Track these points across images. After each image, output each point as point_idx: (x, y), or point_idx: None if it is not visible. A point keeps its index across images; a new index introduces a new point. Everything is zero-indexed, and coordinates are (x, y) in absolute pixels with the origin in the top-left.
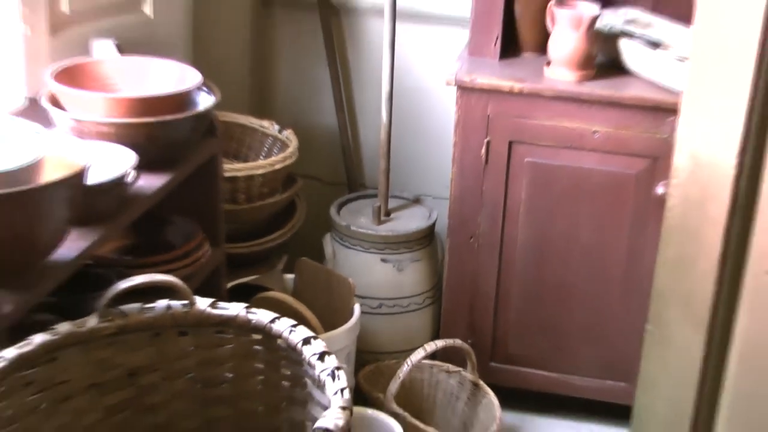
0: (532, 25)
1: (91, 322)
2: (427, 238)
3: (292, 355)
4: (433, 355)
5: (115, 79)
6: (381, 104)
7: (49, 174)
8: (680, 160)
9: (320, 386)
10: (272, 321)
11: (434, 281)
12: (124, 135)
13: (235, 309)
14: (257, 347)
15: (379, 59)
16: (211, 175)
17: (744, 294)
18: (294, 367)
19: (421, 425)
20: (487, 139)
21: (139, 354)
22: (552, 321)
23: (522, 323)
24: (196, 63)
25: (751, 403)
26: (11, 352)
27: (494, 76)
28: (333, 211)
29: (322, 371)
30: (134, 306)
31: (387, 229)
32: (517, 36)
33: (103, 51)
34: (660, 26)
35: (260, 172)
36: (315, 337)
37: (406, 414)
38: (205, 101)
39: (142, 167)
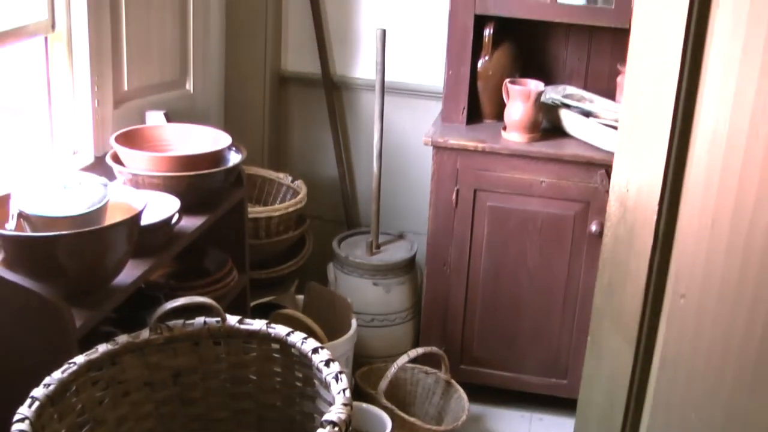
0: (491, 98)
1: (145, 334)
2: (409, 266)
3: (304, 360)
4: (414, 359)
5: (164, 141)
6: (373, 159)
7: (113, 216)
8: (612, 207)
9: (326, 386)
10: (288, 334)
11: (415, 300)
12: (170, 185)
13: (258, 324)
14: (276, 354)
15: (371, 124)
16: (239, 216)
17: (664, 312)
18: (305, 370)
19: (406, 416)
20: (457, 187)
21: (182, 359)
22: (507, 330)
23: (484, 333)
24: (227, 128)
25: (670, 397)
26: (81, 359)
27: (462, 138)
28: (335, 244)
29: (328, 374)
30: (178, 321)
31: (377, 259)
32: (479, 106)
33: (155, 119)
34: (591, 99)
35: (277, 213)
36: (322, 347)
37: (393, 407)
38: (234, 158)
39: (185, 210)
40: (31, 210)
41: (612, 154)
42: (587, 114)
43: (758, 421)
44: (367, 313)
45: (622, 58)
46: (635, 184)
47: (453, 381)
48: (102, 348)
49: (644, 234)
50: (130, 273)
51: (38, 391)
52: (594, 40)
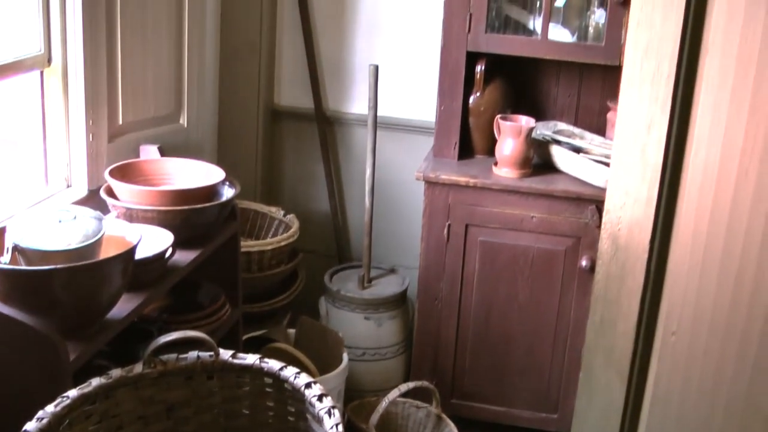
0: (482, 134)
1: (138, 368)
2: (400, 300)
3: (296, 395)
4: (405, 393)
5: (158, 175)
6: (365, 194)
7: (108, 250)
8: (604, 245)
9: (319, 421)
10: (281, 369)
11: (406, 334)
12: (164, 219)
13: (251, 359)
14: (269, 389)
15: (363, 158)
16: (232, 250)
17: (655, 349)
18: (298, 405)
19: None
20: (449, 222)
21: (176, 393)
22: (498, 364)
23: (474, 367)
24: (221, 161)
25: None
26: (74, 392)
27: (453, 173)
28: (326, 278)
29: (320, 409)
30: (172, 356)
31: (369, 293)
32: (471, 142)
33: (149, 153)
34: (581, 135)
35: (269, 247)
36: (315, 382)
37: None
38: (228, 193)
39: (178, 244)
40: (27, 243)
41: (602, 189)
42: (578, 150)
43: None
44: (359, 347)
45: (612, 94)
46: (627, 222)
47: (444, 415)
48: (95, 382)
49: (636, 272)
50: (124, 307)
51: (31, 425)
52: (584, 76)
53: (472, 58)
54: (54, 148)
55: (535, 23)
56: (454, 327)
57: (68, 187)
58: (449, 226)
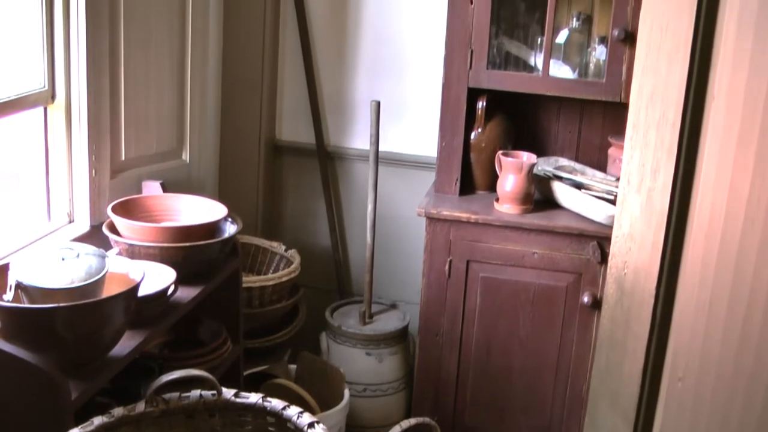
0: (484, 170)
1: (140, 407)
2: (401, 336)
3: None
4: (406, 430)
5: (160, 211)
6: (366, 229)
7: (110, 287)
8: (610, 289)
9: None
10: (284, 408)
11: (407, 370)
12: (166, 256)
13: (253, 398)
14: (271, 428)
15: (364, 193)
16: (234, 286)
17: (661, 395)
18: None
19: None
20: (450, 258)
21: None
22: (499, 401)
23: (476, 403)
24: (222, 196)
25: None
26: (76, 431)
27: (455, 209)
28: (327, 314)
29: None
30: (174, 394)
31: (370, 329)
32: (472, 178)
33: (152, 189)
34: (582, 171)
35: (271, 283)
36: (318, 422)
37: None
38: (230, 229)
39: (180, 281)
40: (29, 281)
41: (604, 226)
42: (579, 186)
43: None
44: (360, 383)
45: (613, 130)
46: (632, 267)
47: None
48: (97, 421)
49: (642, 317)
50: (126, 344)
51: None
52: (585, 112)
53: (474, 94)
54: (57, 183)
55: (536, 60)
56: (456, 363)
57: (71, 222)
58: (450, 261)
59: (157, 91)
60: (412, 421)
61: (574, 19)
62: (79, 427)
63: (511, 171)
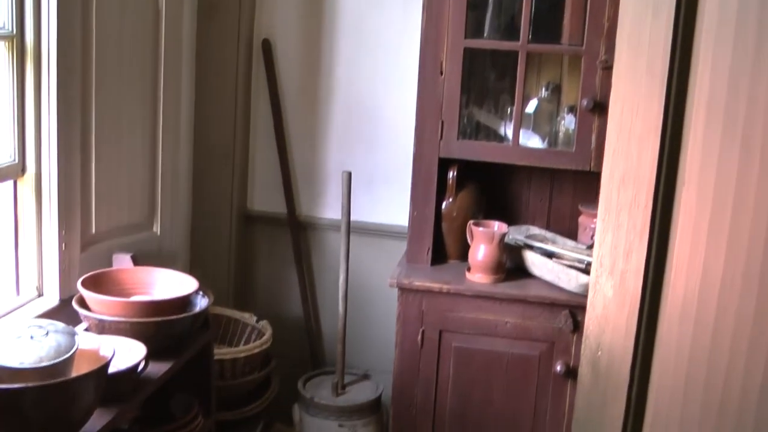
0: (455, 239)
1: None
2: (375, 407)
3: None
4: None
5: (131, 285)
6: (338, 299)
7: (80, 365)
8: (584, 370)
9: None
10: None
11: None
12: (137, 331)
13: None
14: None
15: (336, 262)
16: (206, 359)
17: None
18: None
19: None
20: (422, 328)
21: None
22: None
23: None
24: (193, 266)
25: None
26: None
27: (427, 279)
28: (300, 384)
29: None
30: None
31: (343, 400)
32: (444, 247)
33: (122, 262)
34: (553, 240)
35: (242, 355)
36: None
37: None
38: (201, 302)
39: (151, 356)
40: None
41: (576, 294)
42: (550, 255)
43: None
44: None
45: (583, 198)
46: (607, 349)
47: None
48: None
49: (617, 400)
50: (96, 422)
51: None
52: (556, 181)
53: (445, 163)
54: (26, 257)
55: (506, 129)
56: None
57: (40, 296)
58: (423, 332)
59: (129, 164)
60: None
61: (543, 88)
62: None
63: (483, 241)
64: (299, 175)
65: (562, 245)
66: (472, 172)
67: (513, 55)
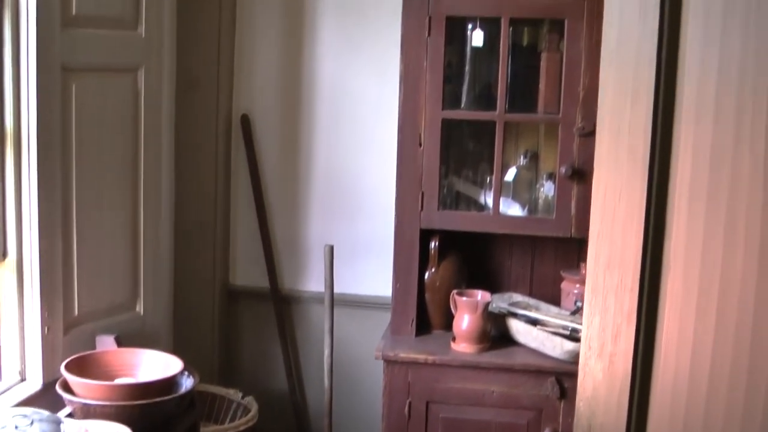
0: (439, 309)
1: None
2: None
3: None
4: None
5: (115, 367)
6: (324, 372)
7: None
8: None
9: None
10: None
11: None
12: (122, 414)
13: None
14: None
15: (321, 335)
16: None
17: None
18: None
19: None
20: (409, 400)
21: None
22: None
23: None
24: (177, 343)
25: None
26: None
27: (412, 350)
28: None
29: None
30: None
31: None
32: (428, 317)
33: (106, 344)
34: (536, 307)
35: None
36: None
37: None
38: (186, 383)
39: None
40: None
41: (561, 361)
42: (534, 322)
43: None
44: None
45: (565, 264)
46: (597, 426)
47: None
48: None
49: None
50: None
51: None
52: (537, 247)
53: (426, 234)
54: (8, 341)
55: (486, 198)
56: None
57: (22, 380)
58: (410, 403)
59: (111, 244)
60: None
61: (522, 156)
62: None
63: (467, 310)
64: (281, 249)
65: (546, 312)
66: (454, 241)
67: (491, 125)
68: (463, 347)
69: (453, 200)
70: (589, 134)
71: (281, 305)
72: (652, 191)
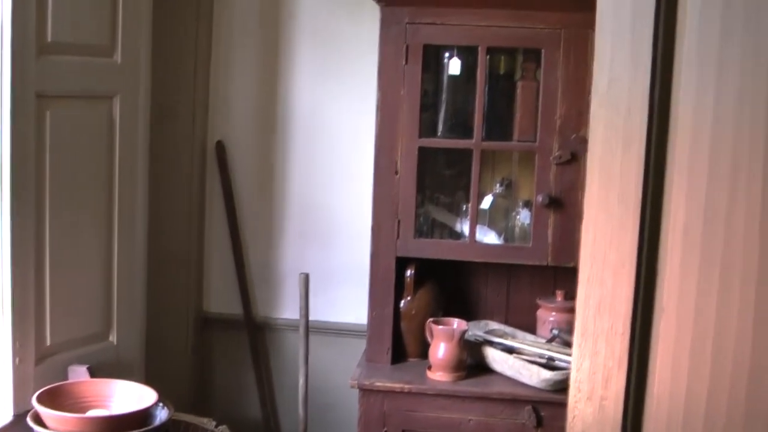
0: (415, 337)
1: None
2: None
3: None
4: None
5: (88, 398)
6: (298, 401)
7: None
8: None
9: None
10: None
11: None
12: None
13: None
14: None
15: (295, 364)
16: None
17: None
18: None
19: None
20: (385, 429)
21: None
22: None
23: None
24: (151, 374)
25: None
26: None
27: (387, 379)
28: None
29: None
30: None
31: None
32: (404, 345)
33: (78, 374)
34: (513, 335)
35: None
36: None
37: None
38: (161, 414)
39: None
40: None
41: (537, 389)
42: (510, 350)
43: None
44: None
45: (540, 291)
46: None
47: None
48: None
49: None
50: None
51: None
52: (513, 275)
53: (402, 262)
54: None
55: (463, 226)
56: None
57: None
58: None
59: (84, 274)
60: None
61: (498, 184)
62: None
63: (443, 339)
64: (255, 276)
65: (522, 339)
66: (431, 269)
67: (467, 153)
68: (439, 376)
69: (429, 228)
70: (565, 163)
71: (255, 333)
72: (644, 236)
